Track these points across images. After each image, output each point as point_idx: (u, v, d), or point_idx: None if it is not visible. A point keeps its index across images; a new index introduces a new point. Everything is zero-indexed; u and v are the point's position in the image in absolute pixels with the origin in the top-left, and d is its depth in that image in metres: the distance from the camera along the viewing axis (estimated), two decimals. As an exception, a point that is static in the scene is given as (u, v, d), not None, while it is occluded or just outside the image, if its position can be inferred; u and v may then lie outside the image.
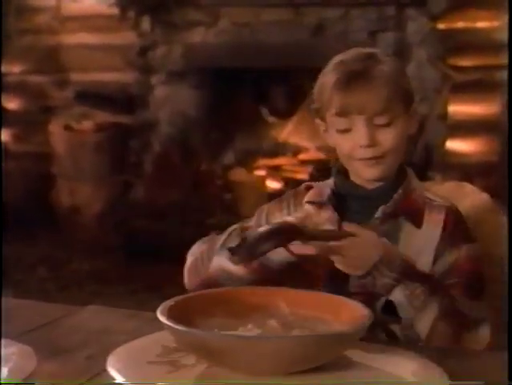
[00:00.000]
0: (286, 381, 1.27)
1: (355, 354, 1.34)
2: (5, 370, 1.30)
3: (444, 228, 1.55)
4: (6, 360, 1.34)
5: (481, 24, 4.44)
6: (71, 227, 4.96)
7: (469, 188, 1.75)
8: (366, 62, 1.58)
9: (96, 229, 4.89)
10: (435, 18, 4.44)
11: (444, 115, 4.52)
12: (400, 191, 1.58)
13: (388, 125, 1.55)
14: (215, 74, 4.95)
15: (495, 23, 4.39)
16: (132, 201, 5.00)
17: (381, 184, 1.59)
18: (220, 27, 4.83)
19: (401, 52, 4.47)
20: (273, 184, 4.86)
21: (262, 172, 4.94)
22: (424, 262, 1.54)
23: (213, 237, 1.65)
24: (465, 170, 4.35)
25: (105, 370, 1.29)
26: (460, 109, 4.50)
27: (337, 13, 4.57)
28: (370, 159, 1.56)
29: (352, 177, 1.62)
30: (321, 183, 1.68)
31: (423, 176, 4.19)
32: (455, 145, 4.55)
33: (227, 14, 4.80)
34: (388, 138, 1.55)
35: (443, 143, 4.54)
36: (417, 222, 1.56)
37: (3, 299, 1.63)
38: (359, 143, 1.55)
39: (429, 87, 4.48)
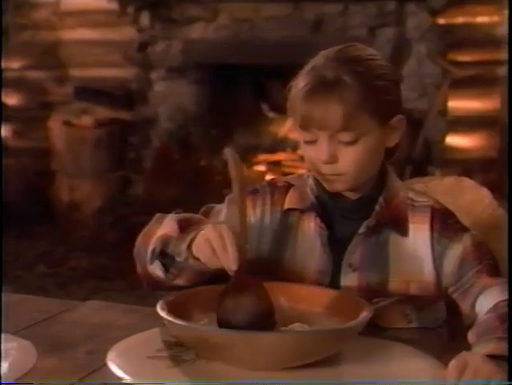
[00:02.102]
0: (285, 376, 1.27)
1: (354, 349, 1.34)
2: (5, 365, 1.30)
3: (432, 229, 1.50)
4: (6, 355, 1.34)
5: (480, 19, 4.43)
6: (71, 223, 4.96)
7: (468, 182, 1.74)
8: (339, 69, 1.45)
9: (96, 225, 4.89)
10: (435, 14, 4.44)
11: (443, 111, 4.52)
12: (380, 200, 1.51)
13: (352, 143, 1.45)
14: (214, 70, 4.95)
15: (495, 18, 4.38)
16: (131, 197, 4.99)
17: (360, 194, 1.51)
18: (219, 23, 4.83)
19: (401, 48, 4.47)
20: (273, 180, 4.85)
21: (262, 168, 4.94)
22: (421, 270, 1.49)
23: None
24: (464, 165, 4.34)
25: (105, 365, 1.29)
26: (459, 104, 4.50)
27: (336, 8, 4.56)
28: (330, 175, 1.48)
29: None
30: (300, 180, 1.58)
31: (423, 172, 4.21)
32: (455, 140, 4.55)
33: (226, 10, 4.80)
34: (350, 156, 1.45)
35: (443, 138, 4.54)
36: (403, 231, 1.50)
37: (3, 294, 1.63)
38: (319, 158, 1.46)
39: (429, 83, 4.47)
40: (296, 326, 1.34)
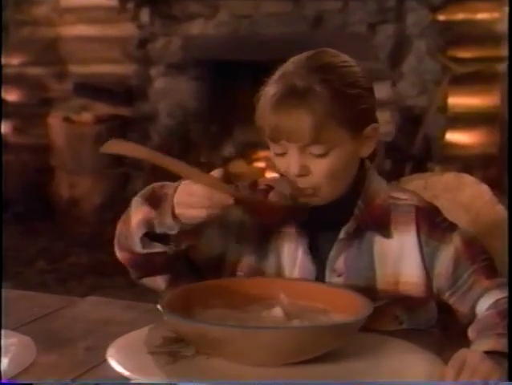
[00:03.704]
0: (285, 371, 1.27)
1: (354, 345, 1.34)
2: (5, 361, 1.31)
3: (418, 229, 1.46)
4: (7, 351, 1.34)
5: (480, 16, 4.43)
6: (71, 219, 4.96)
7: (468, 179, 1.74)
8: (309, 77, 1.39)
9: (95, 222, 4.89)
10: (435, 10, 4.43)
11: (443, 107, 4.52)
12: (359, 203, 1.46)
13: (324, 155, 1.40)
14: (214, 66, 4.94)
15: (495, 15, 4.38)
16: (131, 194, 4.99)
17: (338, 200, 1.45)
18: (219, 19, 4.82)
19: (401, 44, 4.47)
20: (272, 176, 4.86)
21: (261, 164, 4.94)
22: (409, 272, 1.46)
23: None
24: (464, 162, 4.34)
25: (105, 361, 1.29)
26: (459, 101, 4.50)
27: (336, 5, 4.56)
28: (304, 188, 1.42)
29: None
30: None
31: (423, 168, 4.21)
32: (454, 137, 4.55)
33: (226, 6, 4.79)
34: (323, 168, 1.40)
35: (442, 134, 4.54)
36: (386, 232, 1.46)
37: (3, 290, 1.63)
38: (291, 171, 1.42)
39: (429, 79, 4.47)
40: (296, 321, 1.34)
